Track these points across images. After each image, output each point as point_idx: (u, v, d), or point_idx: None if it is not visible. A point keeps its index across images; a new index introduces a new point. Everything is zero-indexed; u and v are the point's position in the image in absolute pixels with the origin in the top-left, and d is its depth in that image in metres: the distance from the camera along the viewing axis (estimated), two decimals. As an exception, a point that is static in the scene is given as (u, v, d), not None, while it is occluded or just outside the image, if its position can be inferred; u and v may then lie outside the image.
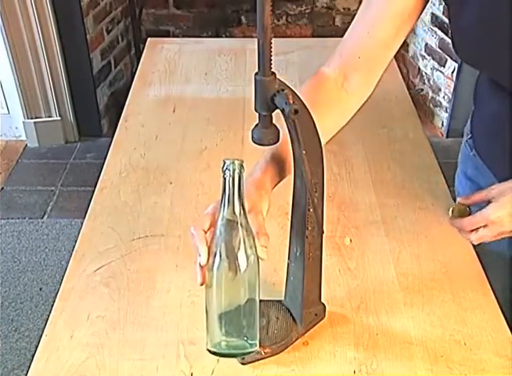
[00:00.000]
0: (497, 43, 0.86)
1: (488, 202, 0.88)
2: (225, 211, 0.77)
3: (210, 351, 0.83)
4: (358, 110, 0.98)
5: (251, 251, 0.78)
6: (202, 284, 0.79)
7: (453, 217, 0.93)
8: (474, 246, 1.07)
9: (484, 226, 0.88)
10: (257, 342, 0.84)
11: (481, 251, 1.07)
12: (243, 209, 0.77)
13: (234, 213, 0.77)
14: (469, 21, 0.88)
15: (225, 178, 0.76)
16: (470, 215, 0.91)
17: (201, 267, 0.78)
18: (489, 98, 1.02)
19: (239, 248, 0.77)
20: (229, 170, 0.76)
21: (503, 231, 0.88)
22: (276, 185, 0.87)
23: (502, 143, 0.98)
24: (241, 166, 0.76)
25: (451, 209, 0.94)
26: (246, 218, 0.78)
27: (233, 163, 0.76)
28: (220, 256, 0.78)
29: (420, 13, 0.93)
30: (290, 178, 0.86)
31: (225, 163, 0.76)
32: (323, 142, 0.89)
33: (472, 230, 0.89)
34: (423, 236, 1.10)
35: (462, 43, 0.93)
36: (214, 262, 0.78)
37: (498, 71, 0.91)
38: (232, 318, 0.81)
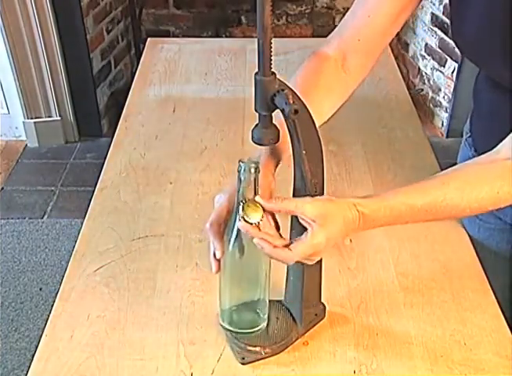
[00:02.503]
0: (499, 43, 0.86)
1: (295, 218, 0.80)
2: (241, 212, 0.77)
3: (222, 326, 0.89)
4: (353, 92, 1.00)
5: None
6: (217, 272, 0.84)
7: (243, 218, 0.76)
8: (473, 245, 1.07)
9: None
10: (266, 317, 0.90)
11: (481, 250, 1.07)
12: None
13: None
14: (472, 22, 0.88)
15: (240, 180, 0.77)
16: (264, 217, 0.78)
17: (215, 257, 0.82)
18: (489, 96, 1.02)
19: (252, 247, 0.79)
20: (245, 172, 0.76)
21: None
22: (277, 166, 0.88)
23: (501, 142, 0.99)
24: (256, 168, 0.76)
25: (241, 206, 0.76)
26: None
27: (248, 165, 0.76)
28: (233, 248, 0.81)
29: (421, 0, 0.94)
30: (290, 179, 0.86)
31: (240, 165, 0.76)
32: (321, 122, 0.93)
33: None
34: (422, 235, 1.10)
35: (464, 42, 0.94)
36: (228, 252, 0.81)
37: (498, 70, 0.91)
38: (243, 293, 0.87)
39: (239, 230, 0.79)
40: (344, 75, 0.97)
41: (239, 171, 0.76)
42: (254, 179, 0.76)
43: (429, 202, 0.80)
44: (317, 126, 0.93)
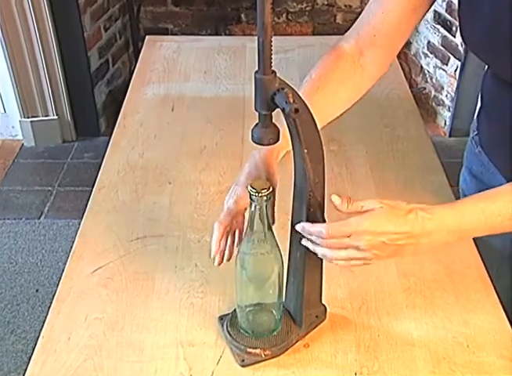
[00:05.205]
0: (506, 41, 0.87)
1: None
2: (252, 239, 0.82)
3: (241, 327, 0.91)
4: (371, 88, 1.02)
5: (276, 262, 0.85)
6: (219, 265, 0.89)
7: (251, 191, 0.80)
8: (476, 244, 1.07)
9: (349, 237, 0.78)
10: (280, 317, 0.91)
11: (484, 250, 1.07)
12: (271, 231, 0.82)
13: (262, 241, 0.82)
14: (481, 19, 0.89)
15: (251, 206, 0.80)
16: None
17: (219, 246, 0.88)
18: (496, 94, 1.02)
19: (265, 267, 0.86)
20: (255, 201, 0.79)
21: (360, 254, 0.79)
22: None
23: (508, 140, 0.99)
24: (267, 197, 0.79)
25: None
26: (273, 241, 0.83)
27: (260, 195, 0.79)
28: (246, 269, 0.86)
29: None
30: (290, 179, 0.86)
31: (251, 194, 0.79)
32: (335, 116, 0.98)
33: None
34: (425, 236, 1.10)
35: (472, 39, 0.94)
36: (243, 255, 0.85)
37: (505, 68, 0.92)
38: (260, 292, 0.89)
39: (254, 237, 0.82)
40: (360, 70, 0.99)
41: (250, 197, 0.80)
42: (266, 206, 0.80)
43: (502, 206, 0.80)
44: (328, 120, 0.98)
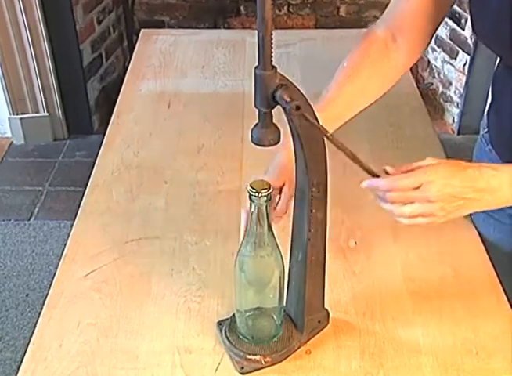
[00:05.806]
0: None
1: None
2: (252, 241, 0.83)
3: (240, 332, 0.91)
4: (403, 74, 1.06)
5: (276, 263, 0.85)
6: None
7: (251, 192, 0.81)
8: (486, 246, 1.07)
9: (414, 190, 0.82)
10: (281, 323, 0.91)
11: (494, 252, 1.07)
12: (271, 232, 0.83)
13: (262, 243, 0.83)
14: (492, 10, 0.90)
15: (250, 208, 0.81)
16: None
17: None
18: (508, 90, 1.03)
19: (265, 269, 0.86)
20: (255, 202, 0.80)
21: (431, 208, 0.82)
22: None
23: None
24: (267, 197, 0.80)
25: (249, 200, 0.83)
26: (274, 243, 0.83)
27: (259, 196, 0.79)
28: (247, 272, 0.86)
29: None
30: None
31: (250, 194, 0.80)
32: (369, 104, 1.03)
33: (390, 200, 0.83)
34: (431, 237, 1.10)
35: (483, 31, 0.95)
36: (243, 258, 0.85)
37: None
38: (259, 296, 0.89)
39: (253, 239, 0.83)
40: (394, 54, 1.02)
41: (250, 198, 0.80)
42: (266, 207, 0.80)
43: None
44: (359, 110, 1.02)
